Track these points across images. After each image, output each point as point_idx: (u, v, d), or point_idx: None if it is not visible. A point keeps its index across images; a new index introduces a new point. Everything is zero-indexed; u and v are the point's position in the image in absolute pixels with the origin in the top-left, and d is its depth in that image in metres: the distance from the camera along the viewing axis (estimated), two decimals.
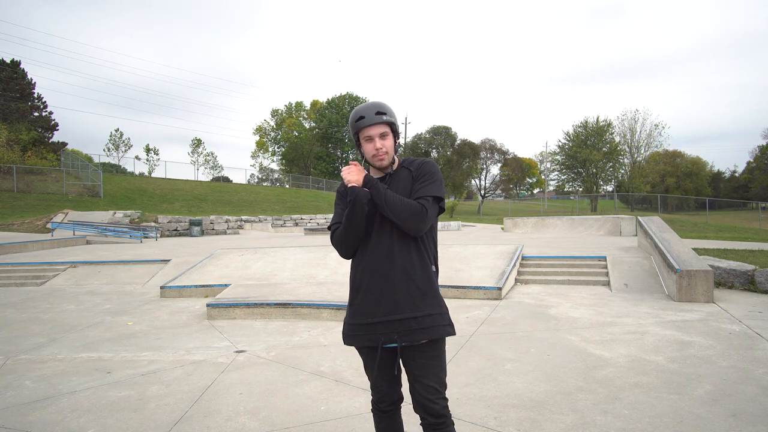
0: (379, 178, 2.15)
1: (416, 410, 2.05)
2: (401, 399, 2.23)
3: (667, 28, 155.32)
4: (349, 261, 2.19)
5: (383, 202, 2.00)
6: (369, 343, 2.07)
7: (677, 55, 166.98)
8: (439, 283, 2.20)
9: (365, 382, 3.76)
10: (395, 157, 2.15)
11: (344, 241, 2.09)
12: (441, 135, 61.73)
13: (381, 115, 2.05)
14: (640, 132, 60.42)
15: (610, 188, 61.08)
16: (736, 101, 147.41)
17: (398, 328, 2.01)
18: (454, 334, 2.09)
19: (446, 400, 2.04)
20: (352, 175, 2.03)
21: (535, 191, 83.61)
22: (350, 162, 2.13)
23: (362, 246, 2.10)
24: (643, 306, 6.45)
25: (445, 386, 2.05)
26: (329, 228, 2.18)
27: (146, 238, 21.51)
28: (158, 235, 22.54)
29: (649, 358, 4.34)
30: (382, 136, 2.07)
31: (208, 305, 6.79)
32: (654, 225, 9.75)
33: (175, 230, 25.50)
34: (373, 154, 2.08)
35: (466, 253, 9.45)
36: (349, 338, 2.13)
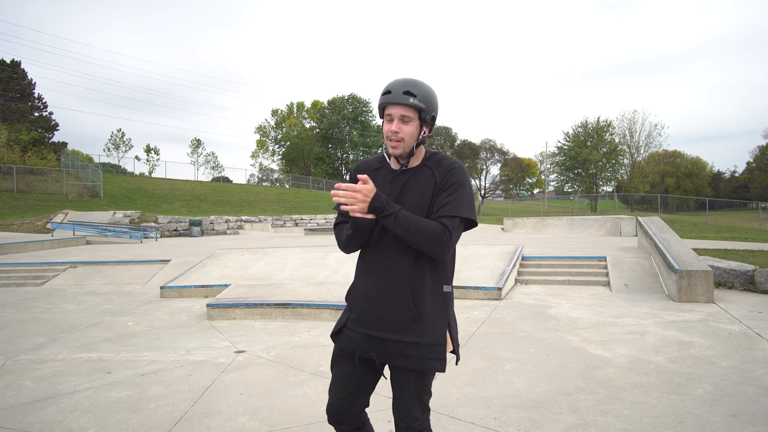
0: (395, 170, 1.89)
1: (397, 425, 1.92)
2: (364, 425, 1.99)
3: (667, 28, 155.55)
4: (351, 261, 2.17)
5: (397, 229, 1.74)
6: (346, 348, 1.91)
7: (677, 54, 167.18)
8: None
9: None
10: (417, 148, 1.85)
11: (346, 246, 1.92)
12: (440, 135, 61.79)
13: (408, 95, 1.78)
14: (640, 132, 60.57)
15: (609, 188, 61.12)
16: (736, 101, 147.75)
17: (378, 347, 1.82)
18: (441, 371, 1.81)
19: (428, 421, 1.90)
20: (357, 204, 1.69)
21: (535, 191, 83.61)
22: (358, 175, 1.72)
23: (365, 247, 1.91)
24: (643, 306, 6.45)
25: (428, 410, 1.89)
26: (336, 210, 1.90)
27: (146, 238, 21.52)
28: (158, 235, 22.55)
29: (649, 358, 4.35)
30: (404, 119, 1.78)
31: (208, 305, 6.79)
32: (654, 225, 9.76)
33: (175, 230, 25.51)
34: (387, 135, 1.82)
35: (466, 253, 9.44)
36: (339, 339, 1.99)
